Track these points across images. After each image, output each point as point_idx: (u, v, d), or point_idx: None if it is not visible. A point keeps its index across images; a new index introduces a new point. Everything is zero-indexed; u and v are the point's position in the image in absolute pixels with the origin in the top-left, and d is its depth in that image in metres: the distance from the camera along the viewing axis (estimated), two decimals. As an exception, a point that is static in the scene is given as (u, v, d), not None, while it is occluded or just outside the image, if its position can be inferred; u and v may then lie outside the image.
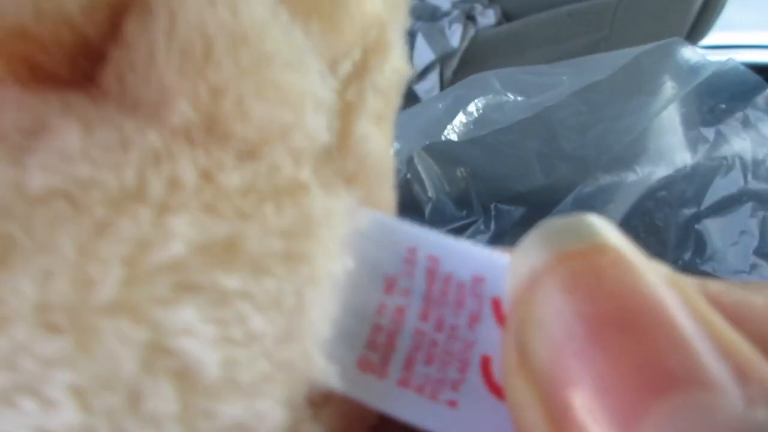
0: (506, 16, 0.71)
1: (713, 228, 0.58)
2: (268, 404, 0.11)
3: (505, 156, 0.57)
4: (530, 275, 0.12)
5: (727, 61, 0.62)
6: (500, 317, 0.13)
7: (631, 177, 0.59)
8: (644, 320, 0.10)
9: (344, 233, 0.13)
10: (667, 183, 0.59)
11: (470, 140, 0.57)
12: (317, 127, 0.14)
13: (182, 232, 0.11)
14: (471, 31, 0.68)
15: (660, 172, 0.59)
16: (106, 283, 0.10)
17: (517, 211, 0.57)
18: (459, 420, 0.12)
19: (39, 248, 0.11)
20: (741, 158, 0.59)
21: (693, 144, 0.61)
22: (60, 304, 0.10)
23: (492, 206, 0.58)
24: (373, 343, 0.13)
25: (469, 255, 0.14)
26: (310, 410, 0.12)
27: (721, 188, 0.59)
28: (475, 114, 0.58)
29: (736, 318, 0.11)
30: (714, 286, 0.13)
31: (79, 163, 0.12)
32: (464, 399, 0.13)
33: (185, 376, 0.11)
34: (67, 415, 0.10)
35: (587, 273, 0.11)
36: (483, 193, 0.58)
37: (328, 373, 0.12)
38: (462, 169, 0.58)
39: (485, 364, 0.13)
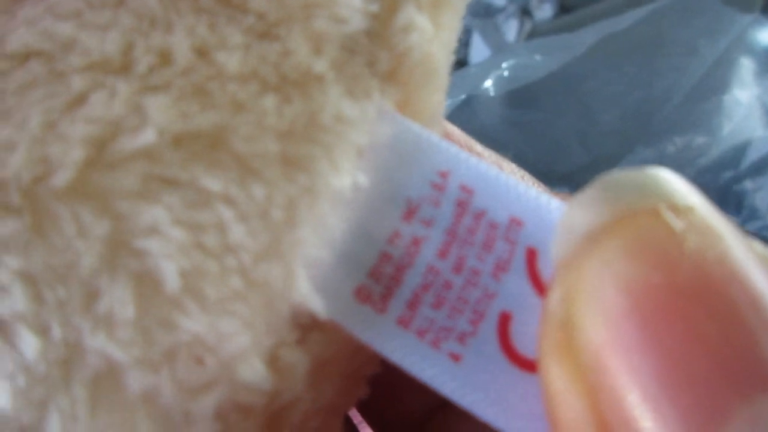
0: (564, 9, 0.63)
1: (752, 188, 0.52)
2: (234, 325, 0.10)
3: (543, 136, 0.53)
4: (587, 234, 0.09)
5: (754, 18, 0.55)
6: (533, 272, 0.11)
7: (670, 148, 0.54)
8: (736, 300, 0.08)
9: (362, 142, 0.11)
10: (706, 149, 0.53)
11: (508, 122, 0.53)
12: (350, 6, 0.11)
13: (157, 117, 0.10)
14: (527, 26, 0.63)
15: (698, 139, 0.54)
16: (67, 163, 0.09)
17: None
18: (459, 376, 0.11)
19: (4, 115, 0.09)
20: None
21: (728, 108, 0.54)
22: (16, 181, 0.09)
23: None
24: (378, 273, 0.11)
25: (510, 192, 0.11)
26: (296, 333, 0.11)
27: (756, 149, 0.53)
28: (505, 75, 0.54)
29: None
30: None
31: (64, 20, 0.10)
32: (470, 355, 0.11)
33: (146, 280, 0.10)
34: (15, 302, 0.09)
35: (662, 236, 0.09)
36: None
37: (313, 301, 0.10)
38: (504, 155, 0.54)
39: (503, 322, 0.11)
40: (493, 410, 0.11)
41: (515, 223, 0.11)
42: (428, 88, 0.13)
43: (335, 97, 0.11)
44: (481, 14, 0.65)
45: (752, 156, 0.53)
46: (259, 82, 0.10)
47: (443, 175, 0.12)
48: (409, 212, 0.11)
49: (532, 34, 0.63)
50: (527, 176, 0.17)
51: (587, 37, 0.55)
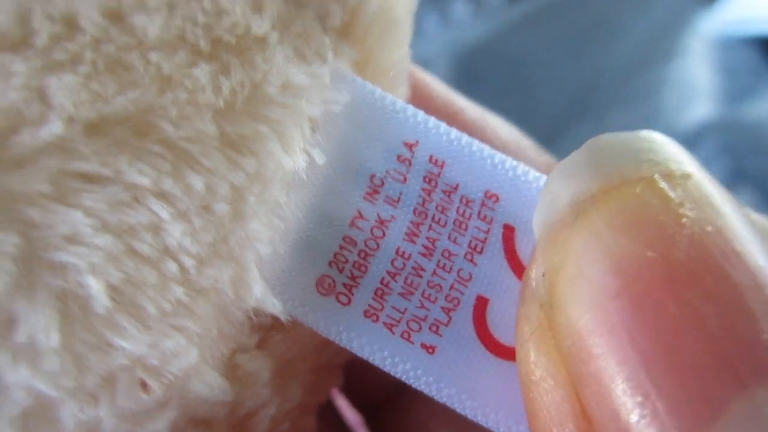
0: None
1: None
2: (180, 342, 0.08)
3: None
4: (572, 204, 0.08)
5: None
6: (512, 252, 0.10)
7: (607, 124, 0.51)
8: (737, 280, 0.07)
9: (316, 113, 0.10)
10: (641, 126, 0.53)
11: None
12: None
13: (64, 102, 0.08)
14: (475, 10, 0.60)
15: (632, 116, 0.51)
16: None
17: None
18: (434, 369, 0.10)
19: None
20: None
21: (660, 84, 0.52)
22: None
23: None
24: (340, 261, 0.10)
25: (485, 164, 0.10)
26: (255, 336, 0.10)
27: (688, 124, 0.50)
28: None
29: None
30: None
31: None
32: (445, 346, 0.10)
33: (72, 299, 0.08)
34: None
35: (657, 207, 0.08)
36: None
37: (270, 303, 0.09)
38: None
39: (480, 308, 0.10)
40: (472, 404, 0.10)
41: (491, 198, 0.10)
42: (389, 44, 0.11)
43: (281, 62, 0.09)
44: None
45: (686, 130, 0.52)
46: (188, 50, 0.09)
47: (410, 146, 0.10)
48: (373, 190, 0.10)
49: (482, 8, 0.61)
50: (523, 137, 0.16)
51: (527, 9, 0.53)
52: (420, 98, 0.15)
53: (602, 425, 0.07)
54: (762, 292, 0.07)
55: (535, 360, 0.08)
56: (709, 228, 0.08)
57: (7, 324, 0.08)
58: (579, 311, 0.08)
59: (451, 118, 0.16)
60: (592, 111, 0.53)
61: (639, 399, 0.07)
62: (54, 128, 0.08)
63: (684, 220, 0.08)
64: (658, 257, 0.07)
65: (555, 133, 0.52)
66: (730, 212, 0.08)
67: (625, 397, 0.07)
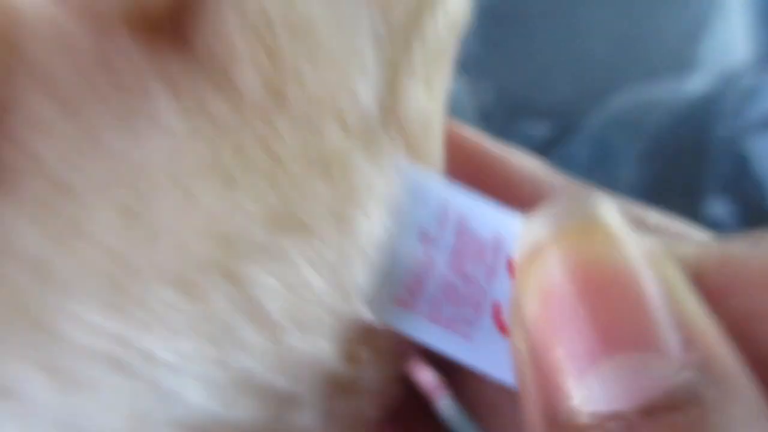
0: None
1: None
2: (323, 340, 0.15)
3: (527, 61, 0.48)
4: (535, 245, 0.14)
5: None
6: (513, 273, 0.16)
7: (659, 88, 0.48)
8: (616, 290, 0.13)
9: (387, 195, 0.16)
10: (697, 91, 0.48)
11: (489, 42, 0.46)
12: (364, 89, 0.16)
13: (246, 205, 0.14)
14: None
15: (690, 81, 0.48)
16: (200, 248, 0.14)
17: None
18: (471, 350, 0.16)
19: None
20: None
21: (725, 49, 0.48)
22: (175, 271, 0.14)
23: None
24: (409, 285, 0.16)
25: (491, 216, 0.16)
26: (364, 335, 0.16)
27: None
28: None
29: (727, 290, 0.13)
30: (712, 259, 0.14)
31: (170, 134, 0.15)
32: (476, 334, 0.16)
33: (261, 317, 0.15)
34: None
35: (579, 247, 0.13)
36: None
37: (369, 316, 0.15)
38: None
39: (496, 310, 0.16)
40: (498, 372, 0.16)
41: (497, 239, 0.16)
42: (428, 139, 0.17)
43: (363, 165, 0.15)
44: None
45: (757, 107, 0.49)
46: (307, 163, 0.15)
47: (445, 207, 0.16)
48: (425, 239, 0.16)
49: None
50: (543, 167, 0.21)
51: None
52: (453, 143, 0.20)
53: (539, 374, 0.13)
54: (634, 299, 0.12)
55: (515, 337, 0.14)
56: (608, 260, 0.13)
57: (229, 331, 0.14)
58: (532, 309, 0.13)
59: (479, 156, 0.22)
60: (644, 72, 0.50)
61: (555, 355, 0.12)
62: (240, 222, 0.14)
63: (594, 255, 0.13)
64: (569, 283, 0.13)
65: (605, 90, 0.50)
66: (628, 248, 0.13)
67: (552, 355, 0.12)
